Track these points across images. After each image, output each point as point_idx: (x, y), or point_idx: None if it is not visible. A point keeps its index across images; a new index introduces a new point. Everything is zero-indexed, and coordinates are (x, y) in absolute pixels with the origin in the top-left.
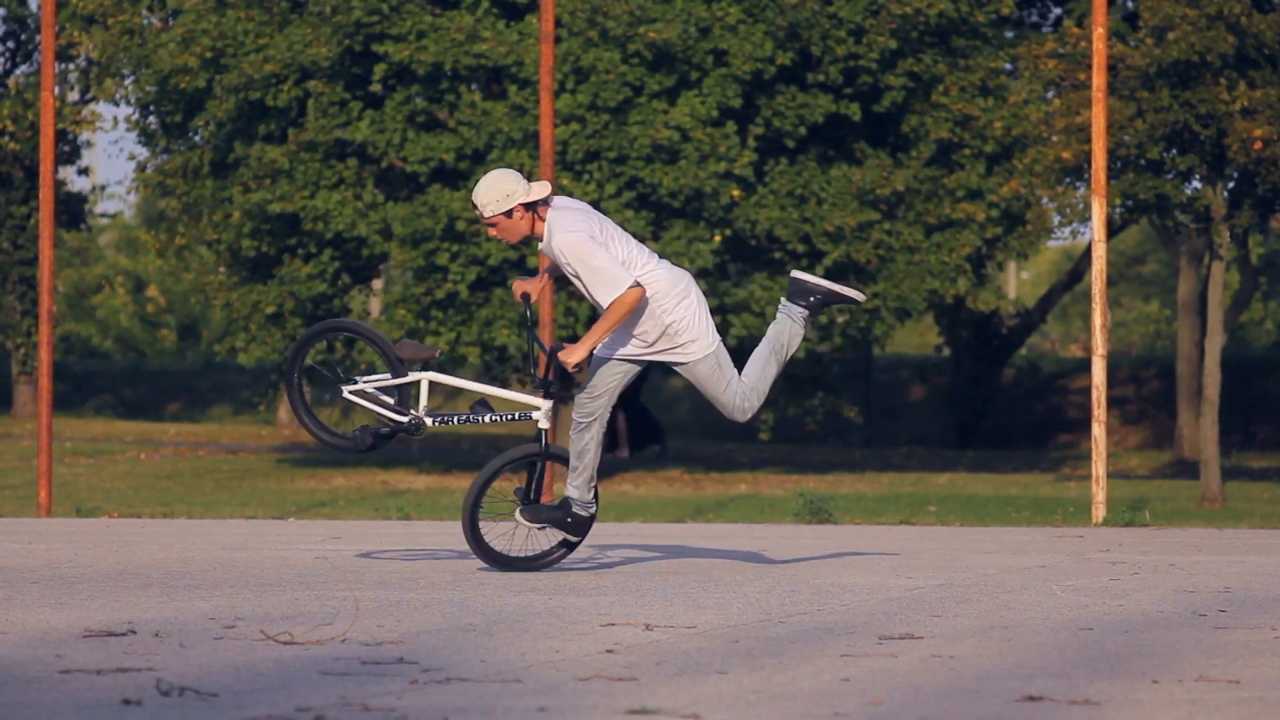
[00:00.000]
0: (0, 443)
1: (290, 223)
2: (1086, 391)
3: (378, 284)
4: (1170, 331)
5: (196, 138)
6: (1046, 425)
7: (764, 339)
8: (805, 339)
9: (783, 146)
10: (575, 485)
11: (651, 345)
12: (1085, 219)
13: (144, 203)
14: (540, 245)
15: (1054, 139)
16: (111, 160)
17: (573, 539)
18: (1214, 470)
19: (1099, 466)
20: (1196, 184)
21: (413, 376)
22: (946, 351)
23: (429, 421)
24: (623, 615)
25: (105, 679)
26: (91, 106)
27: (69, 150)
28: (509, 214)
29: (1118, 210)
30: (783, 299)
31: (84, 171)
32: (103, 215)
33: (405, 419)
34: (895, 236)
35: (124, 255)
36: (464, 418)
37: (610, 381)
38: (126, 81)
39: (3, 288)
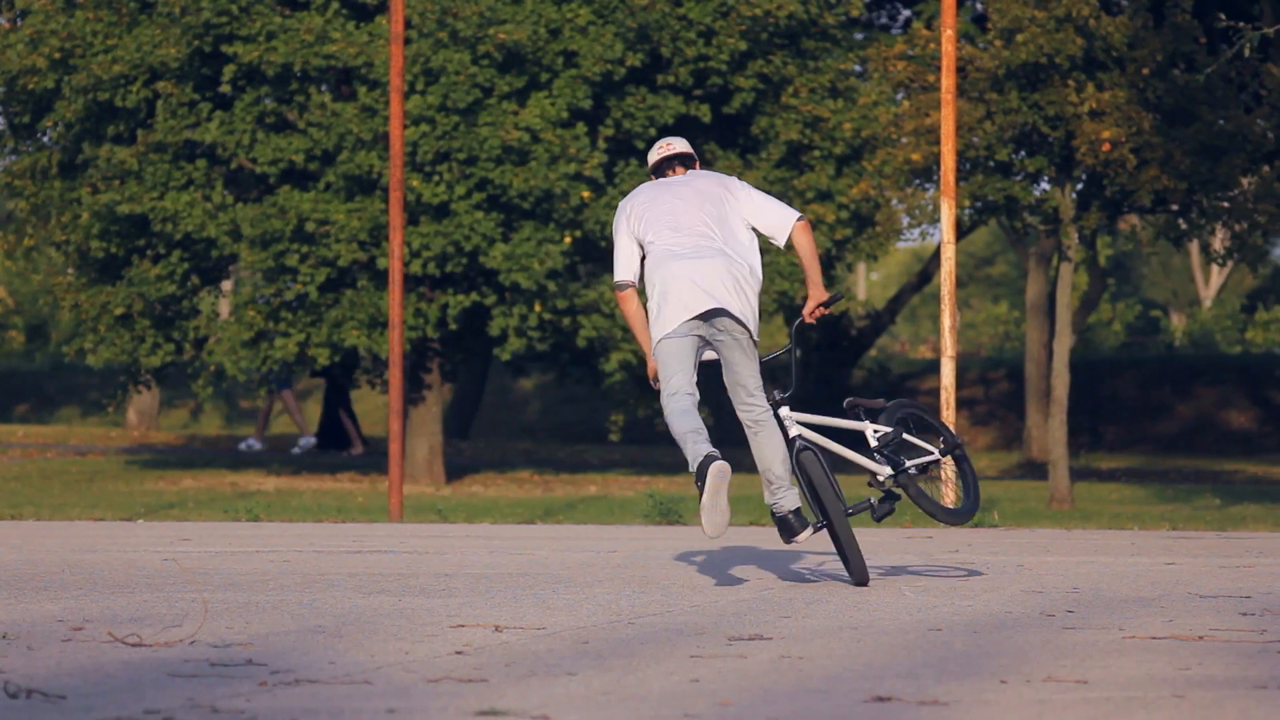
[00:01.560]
0: None
1: (139, 224)
2: (936, 393)
3: (227, 285)
4: (1019, 333)
5: (45, 138)
6: None
7: (678, 429)
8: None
9: (633, 148)
10: (764, 490)
11: None
12: (934, 220)
13: None
14: None
15: (903, 140)
16: None
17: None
18: (1062, 471)
19: (948, 468)
20: (1045, 186)
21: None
22: (797, 353)
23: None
24: (472, 617)
25: None
26: None
27: None
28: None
29: (967, 212)
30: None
31: None
32: None
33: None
34: None
35: None
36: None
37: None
38: None
39: None
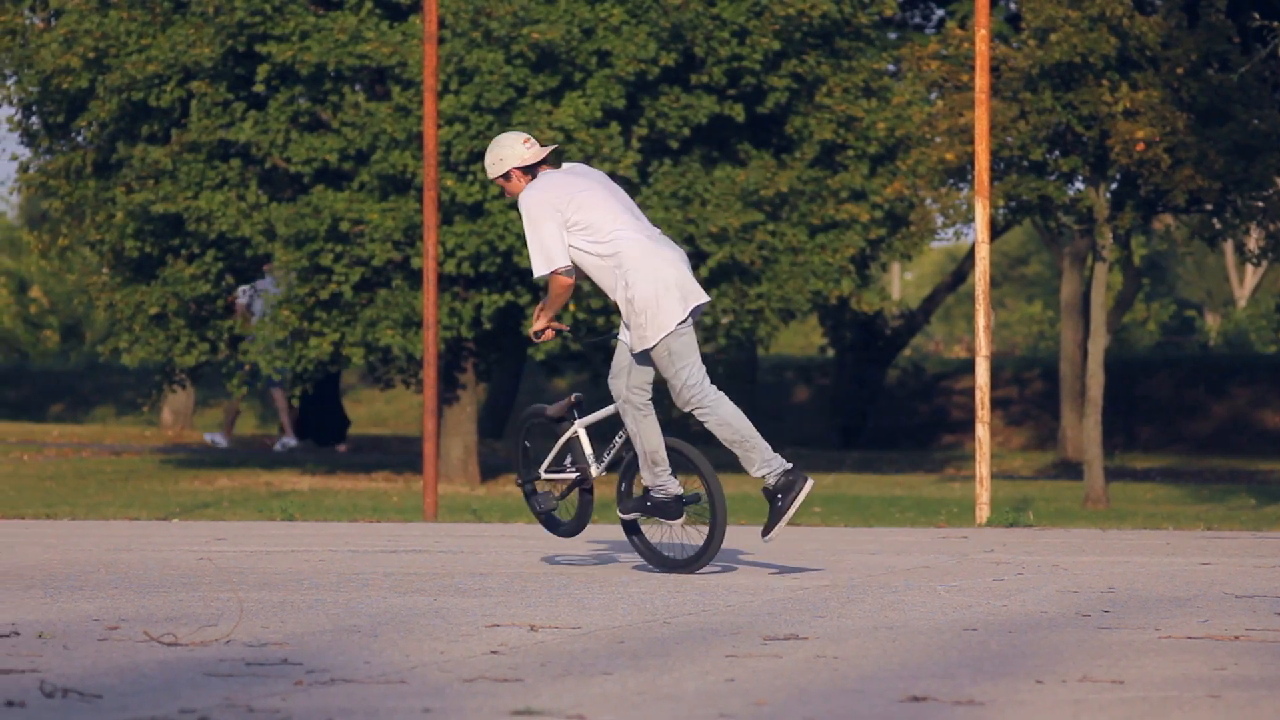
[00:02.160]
0: None
1: (173, 223)
2: (970, 392)
3: (262, 285)
4: (1054, 332)
5: (79, 138)
6: (931, 426)
7: (743, 430)
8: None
9: (666, 148)
10: (644, 472)
11: (626, 320)
12: (968, 220)
13: (26, 203)
14: None
15: (937, 140)
16: None
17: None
18: (1097, 471)
19: (983, 467)
20: (1079, 185)
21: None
22: (831, 352)
23: (595, 470)
24: (507, 616)
25: None
26: None
27: None
28: (507, 177)
29: (1001, 211)
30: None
31: None
32: None
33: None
34: (779, 237)
35: (6, 256)
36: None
37: (621, 358)
38: (8, 82)
39: None
